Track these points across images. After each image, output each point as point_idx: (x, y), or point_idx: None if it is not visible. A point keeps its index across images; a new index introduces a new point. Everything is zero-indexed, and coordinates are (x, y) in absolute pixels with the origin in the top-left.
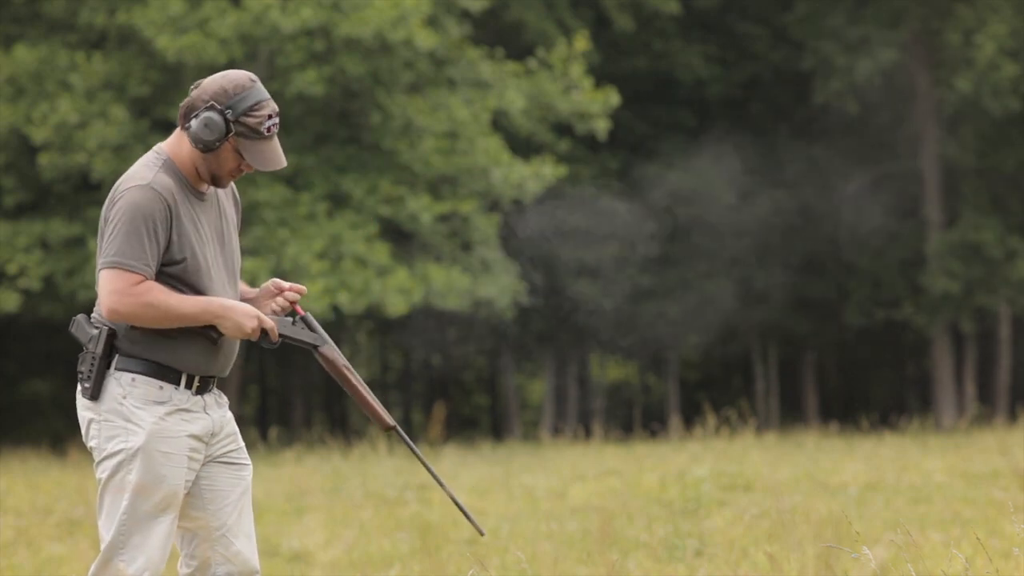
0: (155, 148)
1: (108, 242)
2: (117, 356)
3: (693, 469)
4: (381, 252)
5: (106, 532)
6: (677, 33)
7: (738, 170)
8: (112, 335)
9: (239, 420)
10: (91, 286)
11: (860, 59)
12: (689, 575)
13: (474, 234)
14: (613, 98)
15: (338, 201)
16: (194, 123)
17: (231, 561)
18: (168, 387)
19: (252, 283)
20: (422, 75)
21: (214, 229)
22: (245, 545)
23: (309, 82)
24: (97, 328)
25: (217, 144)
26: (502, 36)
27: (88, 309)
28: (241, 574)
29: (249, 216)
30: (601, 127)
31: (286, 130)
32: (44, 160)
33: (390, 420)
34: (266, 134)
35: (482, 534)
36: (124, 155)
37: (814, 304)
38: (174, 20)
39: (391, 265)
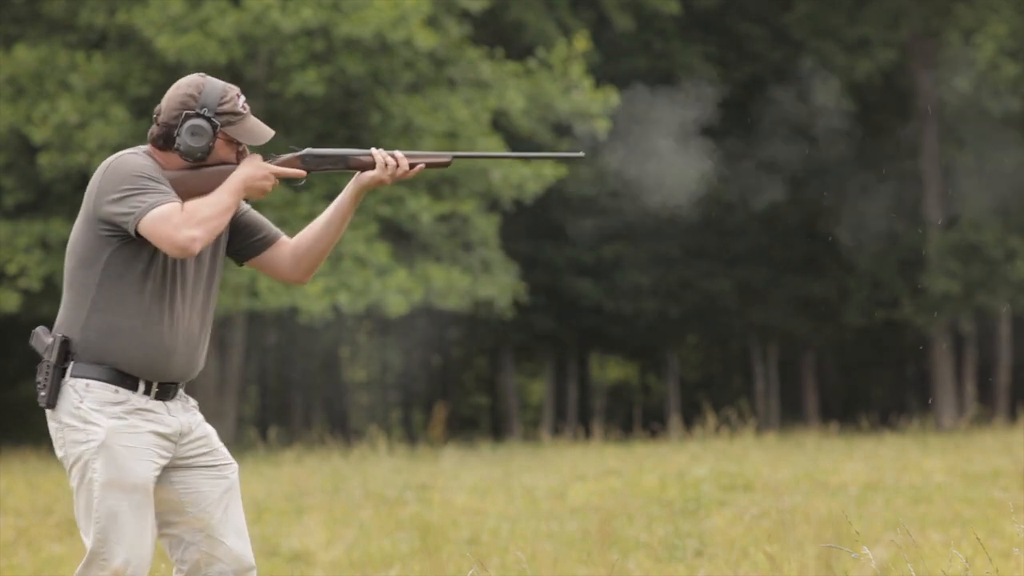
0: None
1: (133, 198)
2: (72, 363)
3: (693, 469)
4: (381, 252)
5: (86, 536)
6: (677, 33)
7: (738, 170)
8: (66, 343)
9: (239, 420)
10: None
11: (860, 59)
12: (689, 575)
13: (474, 234)
14: (613, 98)
15: None
16: (180, 139)
17: (222, 560)
18: (124, 391)
19: (251, 284)
20: (422, 75)
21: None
22: (236, 542)
23: (309, 82)
24: (52, 337)
25: (210, 145)
26: (502, 36)
27: None
28: (235, 571)
29: None
30: (601, 127)
31: (286, 130)
32: (44, 160)
33: (446, 155)
34: (245, 111)
35: (582, 155)
36: None
37: (814, 304)
38: (174, 20)
39: (391, 265)
